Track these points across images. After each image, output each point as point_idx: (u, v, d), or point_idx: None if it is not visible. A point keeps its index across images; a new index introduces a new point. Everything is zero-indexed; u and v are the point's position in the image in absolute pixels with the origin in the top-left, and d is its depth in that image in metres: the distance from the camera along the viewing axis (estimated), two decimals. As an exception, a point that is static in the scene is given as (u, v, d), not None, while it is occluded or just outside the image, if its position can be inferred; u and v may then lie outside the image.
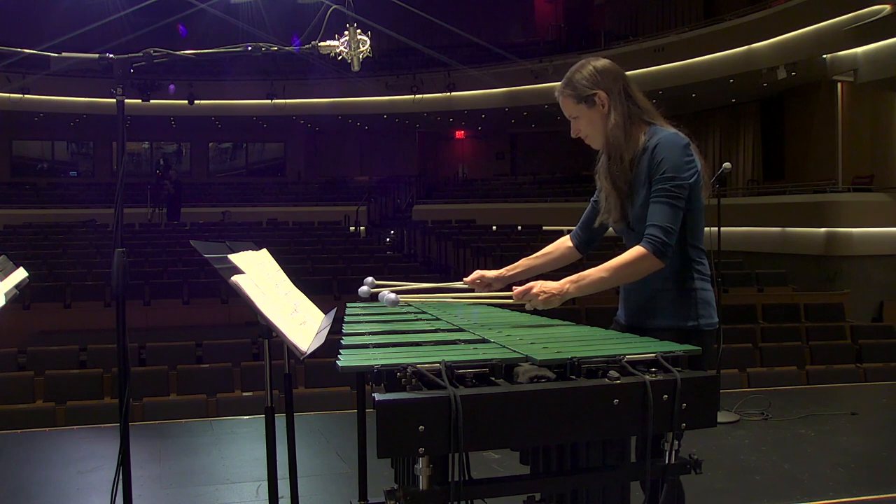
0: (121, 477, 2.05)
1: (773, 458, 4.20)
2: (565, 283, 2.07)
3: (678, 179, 2.06)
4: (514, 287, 2.16)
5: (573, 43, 20.02)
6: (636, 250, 2.05)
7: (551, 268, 2.53)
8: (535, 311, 2.19)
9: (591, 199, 2.37)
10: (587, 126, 2.22)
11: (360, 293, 2.47)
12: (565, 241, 2.50)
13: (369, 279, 2.49)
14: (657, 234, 2.04)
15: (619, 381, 1.52)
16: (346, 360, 1.59)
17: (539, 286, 2.07)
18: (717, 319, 2.19)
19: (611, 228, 2.32)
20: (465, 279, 2.45)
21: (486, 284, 2.45)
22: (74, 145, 23.00)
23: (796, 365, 7.29)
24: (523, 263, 2.48)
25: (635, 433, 1.55)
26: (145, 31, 13.79)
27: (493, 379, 1.53)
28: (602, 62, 2.21)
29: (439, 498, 1.45)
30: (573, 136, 2.26)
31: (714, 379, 1.61)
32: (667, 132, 2.13)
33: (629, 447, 1.65)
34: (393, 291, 2.34)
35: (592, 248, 2.48)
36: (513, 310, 2.50)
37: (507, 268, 2.44)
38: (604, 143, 2.20)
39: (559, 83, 2.24)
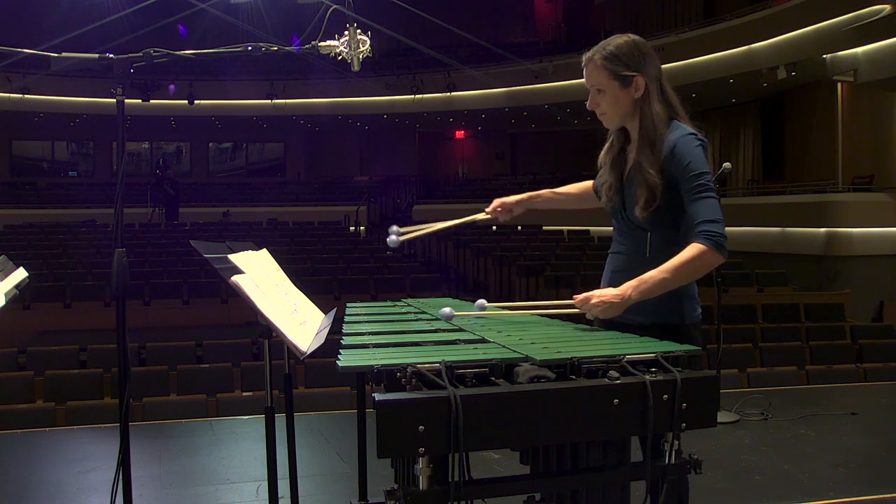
0: (121, 477, 2.05)
1: (773, 458, 4.19)
2: (626, 290, 1.98)
3: (708, 174, 2.04)
4: (574, 295, 2.04)
5: (573, 43, 19.98)
6: (696, 247, 1.98)
7: (572, 206, 2.52)
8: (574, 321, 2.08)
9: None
10: (609, 104, 2.13)
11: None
12: (588, 184, 2.46)
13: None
14: (713, 229, 1.98)
15: (619, 381, 1.52)
16: (346, 360, 1.58)
17: (598, 295, 1.98)
18: (700, 311, 2.17)
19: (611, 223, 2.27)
20: (486, 210, 2.46)
21: (508, 210, 2.46)
22: (74, 145, 23.00)
23: (796, 365, 7.28)
24: (545, 194, 2.49)
25: (635, 433, 1.55)
26: (145, 31, 13.77)
27: (493, 379, 1.53)
28: (643, 41, 2.13)
29: (439, 498, 1.45)
30: (588, 107, 2.17)
31: (714, 379, 1.61)
32: (683, 131, 2.10)
33: (629, 447, 1.65)
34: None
35: None
36: (514, 311, 2.48)
37: (528, 193, 2.45)
38: (639, 130, 2.12)
39: (586, 56, 2.13)
